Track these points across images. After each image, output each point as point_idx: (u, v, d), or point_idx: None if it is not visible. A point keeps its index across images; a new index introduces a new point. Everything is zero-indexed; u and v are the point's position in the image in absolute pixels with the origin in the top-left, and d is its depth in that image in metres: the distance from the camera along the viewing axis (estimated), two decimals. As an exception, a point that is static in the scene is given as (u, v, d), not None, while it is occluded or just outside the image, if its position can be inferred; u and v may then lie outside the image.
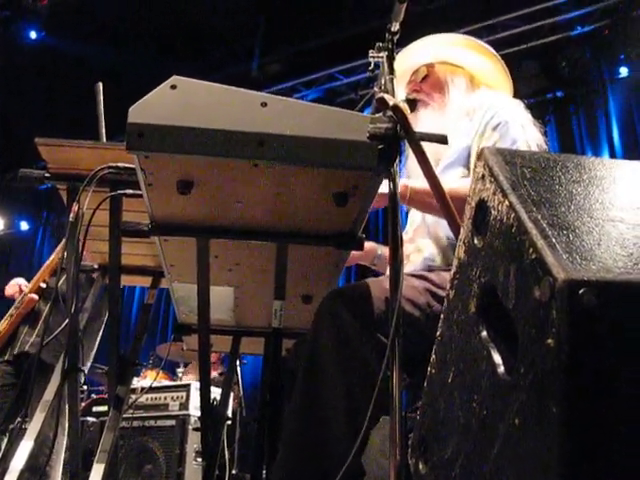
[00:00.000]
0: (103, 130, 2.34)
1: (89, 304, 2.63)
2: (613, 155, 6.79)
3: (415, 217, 2.29)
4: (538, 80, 7.13)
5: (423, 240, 2.17)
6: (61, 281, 3.70)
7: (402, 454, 1.30)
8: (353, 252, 2.35)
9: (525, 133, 2.10)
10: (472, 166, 2.09)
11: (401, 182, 1.90)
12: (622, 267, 0.87)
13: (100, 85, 2.33)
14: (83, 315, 2.49)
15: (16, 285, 4.31)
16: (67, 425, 2.46)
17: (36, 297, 4.08)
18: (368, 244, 2.45)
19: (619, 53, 7.02)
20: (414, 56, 2.41)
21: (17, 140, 8.33)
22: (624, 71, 7.07)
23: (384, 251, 2.45)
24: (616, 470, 0.82)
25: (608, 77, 7.17)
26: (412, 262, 2.14)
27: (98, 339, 4.27)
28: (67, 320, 2.15)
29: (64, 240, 3.87)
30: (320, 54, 8.09)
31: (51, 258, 4.13)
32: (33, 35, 9.15)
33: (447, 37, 2.40)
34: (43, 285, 4.16)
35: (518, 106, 2.24)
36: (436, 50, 2.39)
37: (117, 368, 2.34)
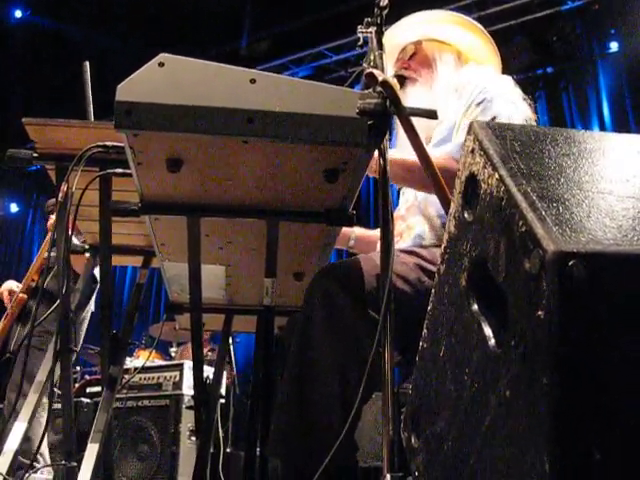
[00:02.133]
0: (91, 109, 2.31)
1: (80, 285, 2.63)
2: (603, 130, 6.79)
3: (409, 196, 2.29)
4: (528, 55, 7.10)
5: (414, 218, 2.17)
6: (48, 278, 3.75)
7: (395, 429, 1.32)
8: (369, 235, 2.38)
9: (510, 108, 2.09)
10: (456, 141, 2.08)
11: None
12: (611, 239, 0.87)
13: (87, 64, 2.31)
14: (75, 295, 2.49)
15: (5, 291, 4.36)
16: (61, 406, 2.46)
17: (25, 296, 4.14)
18: (376, 231, 2.48)
19: (609, 28, 7.01)
20: (401, 34, 2.40)
21: (4, 121, 8.26)
22: (614, 46, 7.05)
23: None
24: (606, 441, 0.83)
25: (598, 52, 7.16)
26: (404, 239, 2.15)
27: (85, 325, 4.30)
28: (58, 301, 2.14)
29: (49, 236, 3.89)
30: (309, 31, 8.04)
31: (37, 255, 4.18)
32: (18, 14, 9.05)
33: (434, 14, 2.38)
34: (32, 284, 4.21)
35: (507, 81, 2.24)
36: (423, 27, 2.38)
37: (110, 348, 2.34)
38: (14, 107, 8.59)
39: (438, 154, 1.97)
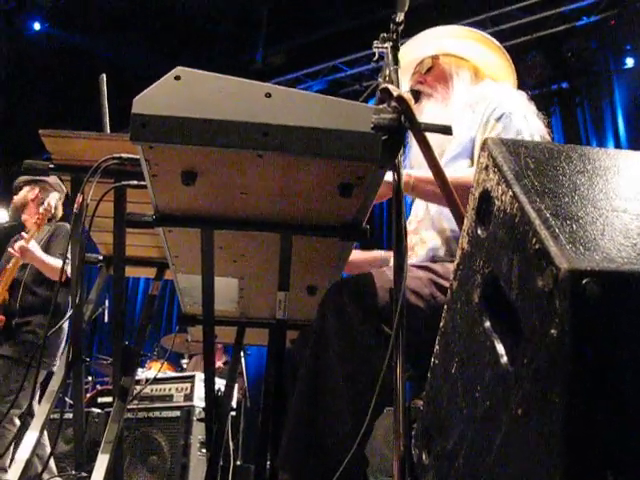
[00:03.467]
0: (107, 121, 2.34)
1: (94, 295, 2.64)
2: (618, 146, 6.76)
3: (419, 209, 2.29)
4: (543, 71, 7.10)
5: (427, 232, 2.17)
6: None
7: (406, 445, 1.31)
8: (360, 259, 2.37)
9: (528, 124, 2.10)
10: (476, 157, 2.09)
11: (405, 172, 1.90)
12: (626, 257, 0.87)
13: (104, 77, 2.33)
14: (88, 306, 2.50)
15: None
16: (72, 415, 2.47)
17: (3, 318, 4.18)
18: (371, 252, 2.47)
19: (625, 43, 6.99)
20: (419, 48, 2.41)
21: (21, 132, 8.33)
22: (630, 62, 7.03)
23: (387, 255, 2.45)
24: (619, 461, 0.82)
25: (614, 68, 7.13)
26: (416, 253, 2.15)
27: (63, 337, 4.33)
28: (71, 311, 2.15)
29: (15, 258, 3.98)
30: (324, 45, 8.07)
31: (3, 271, 4.25)
32: (37, 26, 9.15)
33: (452, 29, 2.39)
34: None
35: (522, 97, 2.24)
36: (441, 42, 2.39)
37: (122, 359, 2.34)
38: (31, 118, 8.66)
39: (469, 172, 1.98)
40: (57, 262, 4.12)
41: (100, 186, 1.91)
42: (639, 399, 0.84)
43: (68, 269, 4.17)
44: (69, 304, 4.08)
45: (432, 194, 1.94)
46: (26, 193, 4.55)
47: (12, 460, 2.08)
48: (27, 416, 3.61)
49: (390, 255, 2.42)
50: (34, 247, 4.07)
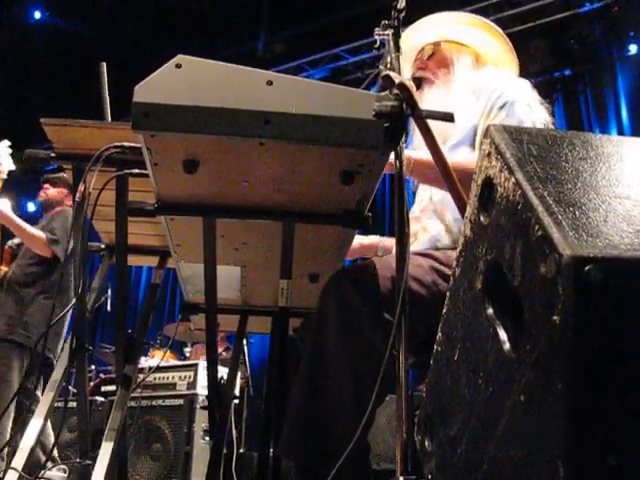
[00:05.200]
0: (108, 110, 2.33)
1: (96, 284, 2.64)
2: (621, 133, 6.74)
3: (423, 197, 2.29)
4: (546, 58, 7.06)
5: (429, 220, 2.17)
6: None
7: (408, 432, 1.31)
8: (356, 246, 2.35)
9: (531, 112, 2.10)
10: (478, 145, 2.09)
11: (405, 153, 1.90)
12: (629, 243, 0.87)
13: (104, 65, 2.32)
14: (90, 295, 2.50)
15: None
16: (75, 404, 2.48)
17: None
18: (370, 238, 2.46)
19: (629, 30, 6.95)
20: (420, 34, 2.40)
21: (22, 121, 8.32)
22: (633, 48, 6.99)
23: (386, 242, 2.45)
24: (621, 447, 0.83)
25: (617, 55, 7.09)
26: (419, 241, 2.15)
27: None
28: (74, 300, 2.16)
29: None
30: (326, 33, 8.04)
31: None
32: (37, 15, 9.12)
33: (453, 15, 2.38)
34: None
35: (525, 85, 2.24)
36: (442, 28, 2.38)
37: (124, 348, 2.35)
38: (32, 107, 8.65)
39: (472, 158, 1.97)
40: (37, 232, 4.16)
41: (102, 175, 1.91)
42: (642, 385, 0.84)
43: (57, 249, 4.21)
44: (62, 284, 4.12)
45: (431, 177, 1.94)
46: None
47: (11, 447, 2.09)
48: (30, 404, 3.63)
49: (388, 241, 2.42)
50: (5, 207, 4.08)
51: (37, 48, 9.12)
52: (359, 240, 2.41)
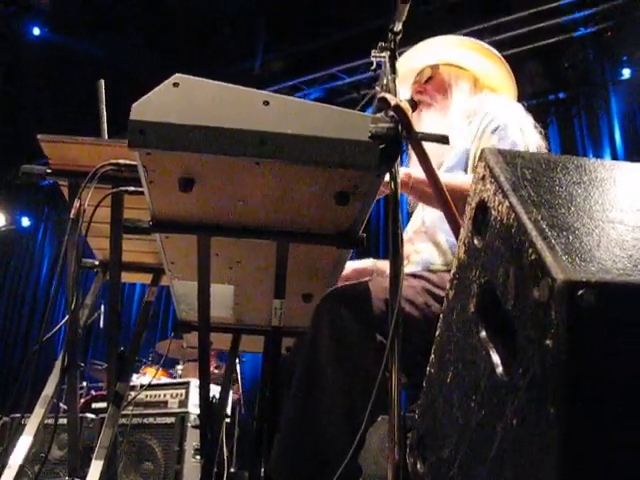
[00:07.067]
0: (105, 127, 2.34)
1: (89, 301, 2.64)
2: (615, 157, 6.77)
3: (416, 219, 2.29)
4: (540, 81, 7.11)
5: (421, 244, 2.17)
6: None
7: (400, 453, 1.31)
8: (350, 272, 2.34)
9: (524, 136, 2.11)
10: (469, 170, 2.10)
11: (404, 170, 1.90)
12: (621, 268, 0.87)
13: (102, 82, 2.33)
14: (83, 312, 2.49)
15: None
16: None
17: None
18: (363, 262, 2.44)
19: (622, 54, 7.01)
20: (419, 57, 2.41)
21: (20, 136, 8.33)
22: (627, 72, 7.05)
23: (380, 264, 2.43)
24: (614, 471, 0.82)
25: (610, 79, 7.15)
26: (411, 263, 2.15)
27: None
28: (67, 316, 2.15)
29: None
30: (322, 53, 8.09)
31: None
32: (36, 31, 9.15)
33: (452, 39, 2.40)
34: None
35: (518, 109, 2.25)
36: (441, 51, 2.39)
37: (116, 365, 2.34)
38: (29, 123, 8.66)
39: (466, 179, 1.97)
40: None
41: (97, 192, 1.91)
42: (634, 409, 0.84)
43: None
44: None
45: (429, 196, 1.94)
46: None
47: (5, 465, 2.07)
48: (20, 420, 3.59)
49: (381, 264, 2.41)
50: None
51: (36, 64, 9.14)
52: (352, 266, 2.36)
